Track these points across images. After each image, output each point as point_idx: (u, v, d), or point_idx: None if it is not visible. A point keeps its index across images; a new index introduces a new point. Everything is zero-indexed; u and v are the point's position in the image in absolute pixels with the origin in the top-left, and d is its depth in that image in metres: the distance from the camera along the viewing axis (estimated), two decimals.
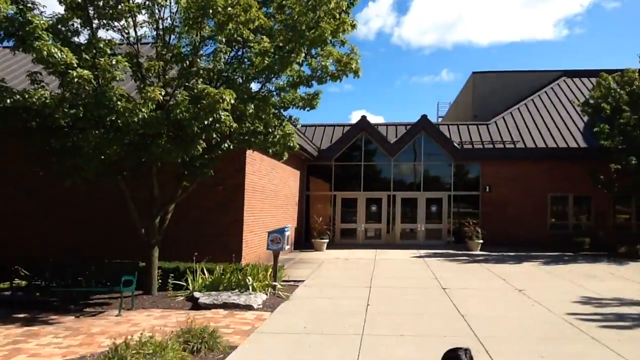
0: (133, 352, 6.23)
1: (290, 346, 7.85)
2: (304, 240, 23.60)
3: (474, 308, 10.61)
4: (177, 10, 10.86)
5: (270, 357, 7.25)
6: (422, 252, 21.67)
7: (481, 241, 22.35)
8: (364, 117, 25.57)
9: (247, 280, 11.40)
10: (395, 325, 9.02)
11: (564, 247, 22.22)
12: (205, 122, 9.64)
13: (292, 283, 13.52)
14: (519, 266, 17.69)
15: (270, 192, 17.83)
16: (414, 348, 7.70)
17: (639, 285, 13.89)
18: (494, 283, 13.99)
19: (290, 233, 19.99)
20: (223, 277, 11.73)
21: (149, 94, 9.50)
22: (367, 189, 25.41)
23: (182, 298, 11.25)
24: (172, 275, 11.87)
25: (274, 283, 11.77)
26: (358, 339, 8.23)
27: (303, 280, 14.00)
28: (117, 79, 9.60)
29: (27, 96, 9.39)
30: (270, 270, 12.11)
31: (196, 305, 10.59)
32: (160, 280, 11.82)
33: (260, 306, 10.58)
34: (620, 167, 20.70)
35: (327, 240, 22.45)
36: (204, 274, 11.92)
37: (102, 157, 9.92)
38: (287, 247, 12.34)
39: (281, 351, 7.59)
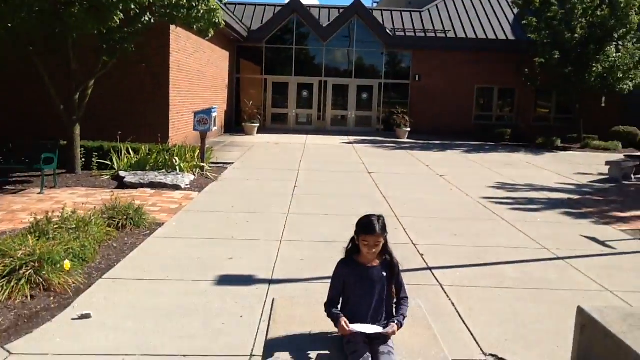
0: (55, 227, 6.17)
1: (217, 223, 8.01)
2: (235, 124, 23.41)
3: (396, 191, 11.07)
4: None
5: (198, 233, 7.40)
6: (352, 138, 22.04)
7: (409, 129, 22.93)
8: None
9: (174, 160, 11.32)
10: (320, 205, 9.33)
11: (487, 137, 23.18)
12: None
13: (221, 165, 13.56)
14: (443, 154, 18.41)
15: (198, 72, 17.29)
16: (337, 225, 8.04)
17: (550, 173, 14.84)
18: (418, 169, 14.55)
19: (218, 115, 19.72)
20: (149, 157, 11.58)
21: None
22: (299, 73, 25.10)
23: (107, 177, 11.09)
24: (96, 154, 11.60)
25: (202, 164, 11.76)
26: (284, 217, 8.49)
27: (232, 163, 14.05)
28: None
29: None
30: (198, 151, 12.04)
31: (122, 185, 10.49)
32: (83, 160, 11.54)
33: (188, 186, 10.61)
34: (544, 61, 21.31)
35: (258, 125, 22.36)
36: (129, 153, 11.71)
37: (9, 24, 9.17)
38: (214, 129, 12.23)
39: (208, 227, 7.74)
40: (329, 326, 3.33)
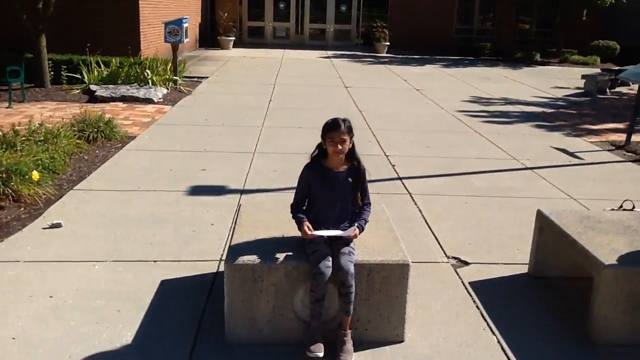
0: (23, 139, 6.09)
1: (190, 136, 7.96)
2: (210, 38, 22.72)
3: (372, 105, 11.03)
4: None
5: (171, 146, 7.36)
6: (330, 52, 21.65)
7: (388, 44, 22.53)
8: None
9: (145, 73, 11.05)
10: (295, 119, 9.29)
11: (467, 52, 22.89)
12: None
13: (195, 79, 13.29)
14: (421, 68, 18.23)
15: None
16: (311, 138, 7.94)
17: (526, 87, 14.84)
18: (395, 83, 14.43)
19: (192, 28, 19.12)
20: (121, 70, 11.29)
21: None
22: None
23: (78, 91, 10.83)
24: (65, 67, 11.25)
25: (175, 77, 11.52)
26: (258, 130, 8.46)
27: (207, 77, 13.78)
28: None
29: None
30: (170, 64, 11.76)
31: (93, 99, 10.28)
32: (52, 74, 11.21)
33: (161, 100, 10.44)
34: None
35: (234, 39, 21.76)
36: (99, 67, 11.39)
37: None
38: (186, 40, 11.87)
39: (181, 140, 7.70)
40: (294, 230, 3.40)
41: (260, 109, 10.06)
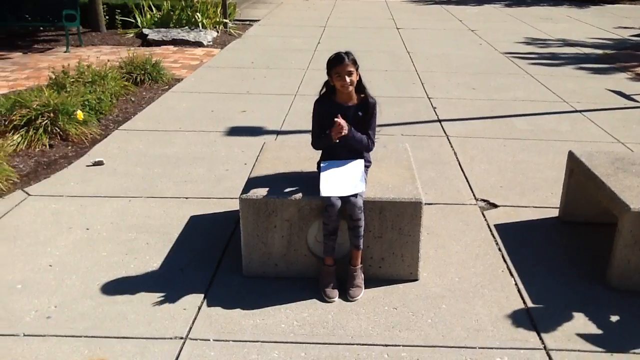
0: (72, 80, 6.33)
1: (235, 79, 8.05)
2: None
3: (421, 46, 10.75)
4: None
5: (215, 88, 7.49)
6: None
7: None
8: None
9: (196, 16, 11.13)
10: None
11: None
12: None
13: (247, 22, 13.30)
14: (480, 8, 17.47)
15: None
16: None
17: (589, 27, 14.02)
18: (450, 24, 13.94)
19: None
20: (172, 13, 11.41)
21: None
22: None
23: (132, 35, 11.07)
24: (119, 11, 11.47)
25: (225, 20, 11.55)
26: (302, 72, 8.44)
27: (258, 20, 13.75)
28: None
29: None
30: (221, 7, 11.78)
31: (146, 42, 10.49)
32: (107, 17, 11.47)
33: (211, 43, 10.54)
34: None
35: None
36: (152, 10, 11.55)
37: None
38: None
39: (226, 83, 7.80)
40: (313, 167, 3.46)
41: (308, 52, 10.00)
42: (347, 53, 3.19)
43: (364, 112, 3.28)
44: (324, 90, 3.32)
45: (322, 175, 3.19)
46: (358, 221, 3.07)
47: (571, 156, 3.99)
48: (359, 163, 3.27)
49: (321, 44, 10.81)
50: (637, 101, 7.44)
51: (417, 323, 2.93)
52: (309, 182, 3.30)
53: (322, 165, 3.29)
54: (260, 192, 3.21)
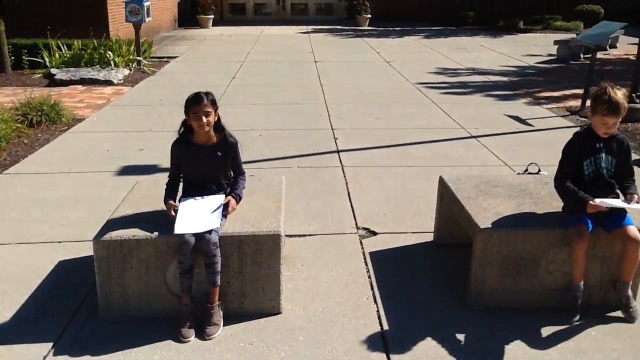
0: None
1: (139, 116, 7.95)
2: (190, 17, 22.54)
3: (336, 79, 10.96)
4: None
5: (116, 127, 7.36)
6: (310, 27, 21.44)
7: (369, 16, 22.28)
8: None
9: (107, 55, 10.99)
10: (253, 95, 9.24)
11: (451, 22, 22.63)
12: None
13: (165, 59, 13.24)
14: (399, 40, 18.05)
15: None
16: (262, 114, 8.01)
17: (500, 55, 14.67)
18: (367, 56, 14.31)
19: (170, 8, 18.98)
20: (84, 52, 11.23)
21: None
22: None
23: (39, 75, 10.79)
24: (26, 51, 11.18)
25: (138, 58, 11.46)
26: None
27: (176, 57, 13.71)
28: None
29: None
30: (134, 45, 11.69)
31: (53, 82, 10.25)
32: (13, 58, 11.16)
33: (122, 81, 10.40)
34: None
35: (213, 17, 21.57)
36: (61, 49, 11.33)
37: None
38: (148, 19, 11.73)
39: (129, 121, 7.69)
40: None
41: (221, 87, 10.00)
42: (207, 93, 3.22)
43: (223, 153, 3.30)
44: (182, 129, 3.32)
45: (179, 212, 3.16)
46: (213, 257, 3.03)
47: (441, 181, 4.10)
48: (218, 199, 3.26)
49: (236, 79, 10.85)
50: (531, 125, 7.78)
51: (270, 357, 2.90)
52: (169, 220, 3.25)
53: (180, 202, 3.26)
54: (116, 233, 3.13)
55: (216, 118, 3.26)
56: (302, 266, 3.82)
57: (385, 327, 3.18)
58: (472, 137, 7.13)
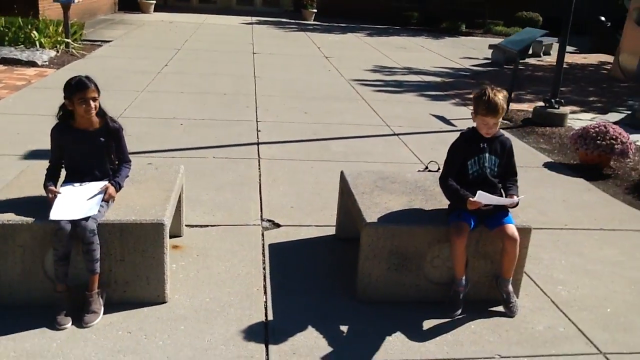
0: None
1: (59, 99, 7.66)
2: (132, 1, 21.97)
3: (270, 72, 10.91)
4: None
5: (32, 110, 7.11)
6: (255, 19, 21.28)
7: (315, 11, 22.30)
8: None
9: (33, 34, 10.59)
10: (182, 84, 9.10)
11: (396, 21, 22.89)
12: None
13: (98, 43, 12.87)
14: (342, 36, 18.14)
15: None
16: (187, 102, 7.90)
17: (438, 57, 14.95)
18: (307, 50, 14.31)
19: None
20: (8, 31, 10.78)
21: None
22: None
23: None
24: None
25: (67, 40, 11.08)
26: (135, 94, 8.24)
27: (110, 41, 13.34)
28: None
29: None
30: (62, 26, 11.31)
31: None
32: None
33: (46, 63, 10.05)
34: None
35: (155, 2, 21.10)
36: None
37: None
38: (77, 0, 11.38)
39: (46, 105, 7.41)
40: None
41: (151, 74, 9.80)
42: (88, 78, 3.16)
43: (106, 138, 3.24)
44: (61, 113, 3.23)
45: (57, 198, 3.07)
46: (90, 245, 2.97)
47: (342, 176, 4.14)
48: (98, 185, 3.19)
49: (168, 66, 10.65)
50: (454, 125, 7.96)
51: (147, 346, 2.86)
52: (49, 206, 3.15)
53: (60, 187, 3.18)
54: None
55: (99, 103, 3.19)
56: (197, 256, 3.78)
57: (270, 318, 3.19)
58: (394, 134, 7.24)
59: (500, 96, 3.22)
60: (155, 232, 3.11)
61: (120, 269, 3.15)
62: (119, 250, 3.12)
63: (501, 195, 3.40)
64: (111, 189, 3.16)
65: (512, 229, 3.26)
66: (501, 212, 3.32)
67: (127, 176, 3.37)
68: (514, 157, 3.47)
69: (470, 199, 3.18)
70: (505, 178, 3.44)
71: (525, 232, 3.41)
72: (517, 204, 3.30)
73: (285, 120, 7.48)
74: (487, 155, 3.36)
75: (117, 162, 3.35)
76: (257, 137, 6.64)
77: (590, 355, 3.09)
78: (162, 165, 4.03)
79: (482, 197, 3.16)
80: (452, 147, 3.45)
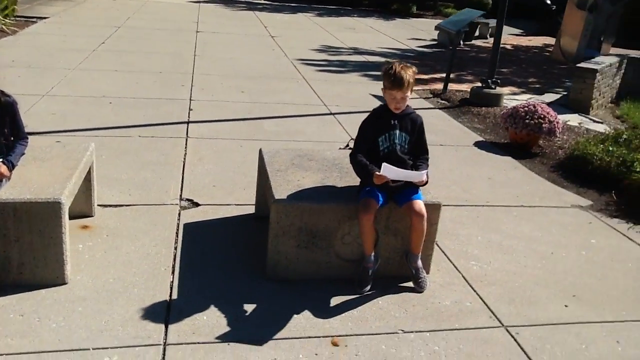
0: None
1: None
2: None
3: (213, 50, 10.70)
4: None
5: None
6: None
7: None
8: None
9: None
10: (117, 62, 8.82)
11: (348, 1, 22.75)
12: None
13: (33, 19, 12.36)
14: (291, 16, 17.93)
15: None
16: (120, 81, 7.67)
17: (386, 37, 14.95)
18: (254, 30, 14.10)
19: None
20: None
21: None
22: None
23: None
24: None
25: None
26: (66, 72, 7.95)
27: (47, 18, 12.84)
28: None
29: None
30: None
31: None
32: None
33: None
34: None
35: None
36: None
37: None
38: None
39: None
40: None
41: (85, 52, 9.47)
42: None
43: (1, 113, 3.08)
44: None
45: None
46: None
47: (260, 154, 4.07)
48: None
49: (105, 44, 10.32)
50: None
51: (38, 329, 2.76)
52: None
53: None
54: None
55: None
56: (107, 236, 3.68)
57: (175, 297, 3.12)
58: (331, 114, 7.20)
59: (410, 72, 3.21)
60: (52, 211, 3.00)
61: (14, 250, 3.03)
62: (13, 230, 2.99)
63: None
64: (3, 168, 3.01)
65: (419, 204, 3.27)
66: (410, 188, 3.32)
67: (23, 154, 3.23)
68: (424, 134, 3.47)
69: (377, 172, 3.16)
70: (416, 156, 3.44)
71: (434, 207, 3.42)
72: (426, 181, 3.30)
73: (221, 100, 7.35)
74: (397, 132, 3.36)
75: (12, 138, 3.19)
76: (188, 116, 6.50)
77: (492, 328, 3.14)
78: (72, 143, 3.88)
79: (388, 170, 3.14)
80: (363, 123, 3.43)
